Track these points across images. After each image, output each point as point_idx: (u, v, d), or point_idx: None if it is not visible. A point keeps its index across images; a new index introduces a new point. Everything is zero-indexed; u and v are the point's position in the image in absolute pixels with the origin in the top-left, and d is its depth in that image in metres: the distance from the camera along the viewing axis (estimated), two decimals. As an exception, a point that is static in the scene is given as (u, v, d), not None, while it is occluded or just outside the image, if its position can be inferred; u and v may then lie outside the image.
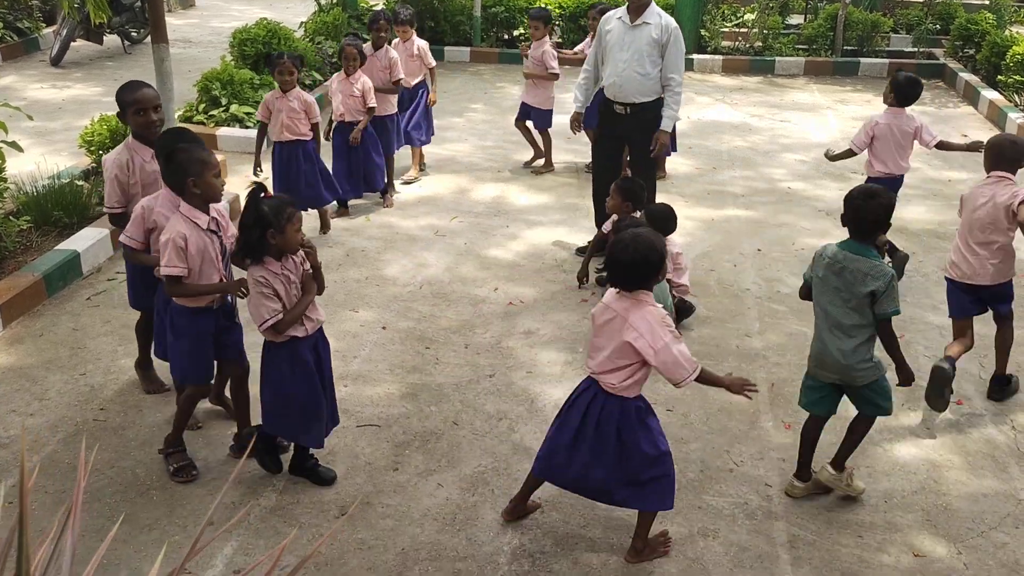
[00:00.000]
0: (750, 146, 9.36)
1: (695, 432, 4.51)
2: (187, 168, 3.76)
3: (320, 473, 4.06)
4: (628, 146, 6.36)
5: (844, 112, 10.86)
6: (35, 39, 12.50)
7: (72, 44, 11.94)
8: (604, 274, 6.06)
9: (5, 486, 3.96)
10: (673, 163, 8.59)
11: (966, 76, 11.77)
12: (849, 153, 6.36)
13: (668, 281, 5.39)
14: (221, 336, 4.05)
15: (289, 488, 4.01)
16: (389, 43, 7.45)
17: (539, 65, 8.03)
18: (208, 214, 3.84)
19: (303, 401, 3.84)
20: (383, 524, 3.81)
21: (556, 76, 8.06)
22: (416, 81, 7.79)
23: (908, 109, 6.19)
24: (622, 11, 6.10)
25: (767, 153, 9.10)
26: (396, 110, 7.54)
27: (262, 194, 3.62)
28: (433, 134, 8.17)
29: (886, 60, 12.98)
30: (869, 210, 3.74)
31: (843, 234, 3.92)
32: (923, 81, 6.42)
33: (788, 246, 6.81)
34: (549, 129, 8.22)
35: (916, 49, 13.57)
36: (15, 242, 5.92)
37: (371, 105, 6.90)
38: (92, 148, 7.21)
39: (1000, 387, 4.93)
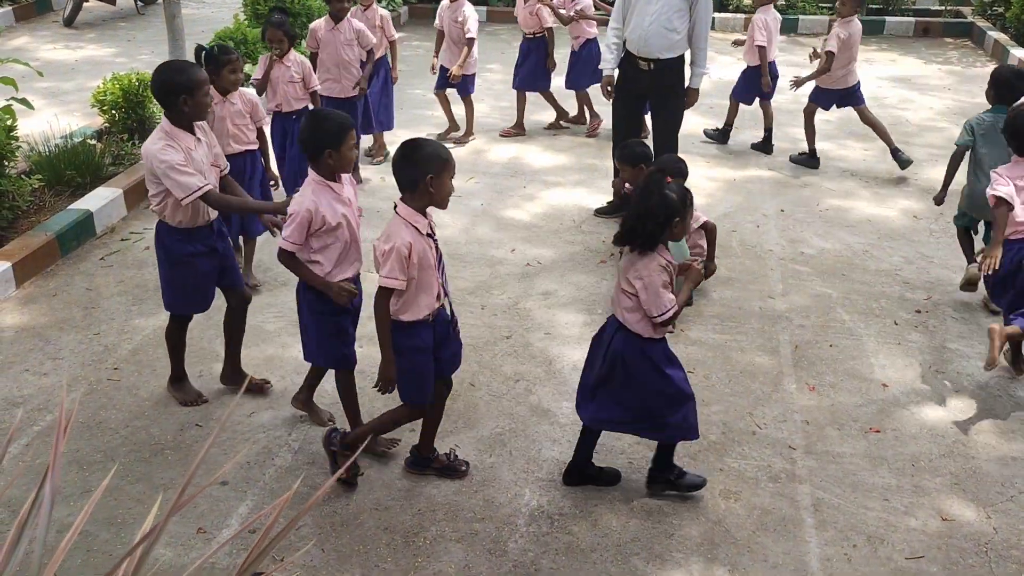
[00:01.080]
0: (773, 106, 9.14)
1: (717, 394, 4.42)
2: (426, 167, 3.28)
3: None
4: (649, 104, 6.19)
5: (869, 72, 10.60)
6: (48, 0, 12.37)
7: (85, 5, 11.83)
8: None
9: (19, 445, 3.93)
10: (693, 123, 8.41)
11: (995, 35, 11.47)
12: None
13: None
14: (440, 349, 3.62)
15: (304, 448, 3.96)
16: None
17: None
18: (426, 218, 3.43)
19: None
20: (399, 485, 3.75)
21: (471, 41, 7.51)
22: (377, 57, 6.93)
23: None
24: None
25: (790, 113, 8.89)
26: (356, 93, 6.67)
27: (667, 178, 3.38)
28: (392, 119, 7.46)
29: (912, 19, 12.69)
30: None
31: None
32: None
33: (812, 207, 6.66)
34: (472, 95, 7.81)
35: (943, 8, 13.23)
36: (28, 201, 5.87)
37: (313, 88, 6.05)
38: (104, 108, 7.12)
39: None
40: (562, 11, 7.74)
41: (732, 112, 8.05)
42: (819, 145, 7.77)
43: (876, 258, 5.87)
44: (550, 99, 8.20)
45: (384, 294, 3.34)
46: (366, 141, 7.30)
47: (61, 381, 4.38)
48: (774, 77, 7.76)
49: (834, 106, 7.53)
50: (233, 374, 4.35)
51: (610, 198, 6.38)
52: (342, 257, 3.70)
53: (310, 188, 3.60)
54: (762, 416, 4.25)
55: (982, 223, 5.29)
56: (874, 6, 12.94)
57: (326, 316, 3.75)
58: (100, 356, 4.62)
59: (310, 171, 3.63)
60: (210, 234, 4.06)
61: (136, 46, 10.76)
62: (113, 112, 7.10)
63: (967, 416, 4.31)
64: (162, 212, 3.94)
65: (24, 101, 5.31)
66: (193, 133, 3.91)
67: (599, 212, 6.34)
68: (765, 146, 7.80)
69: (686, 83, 6.06)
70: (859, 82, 7.41)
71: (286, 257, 3.63)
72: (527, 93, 8.08)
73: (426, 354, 3.51)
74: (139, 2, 12.60)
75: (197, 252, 4.01)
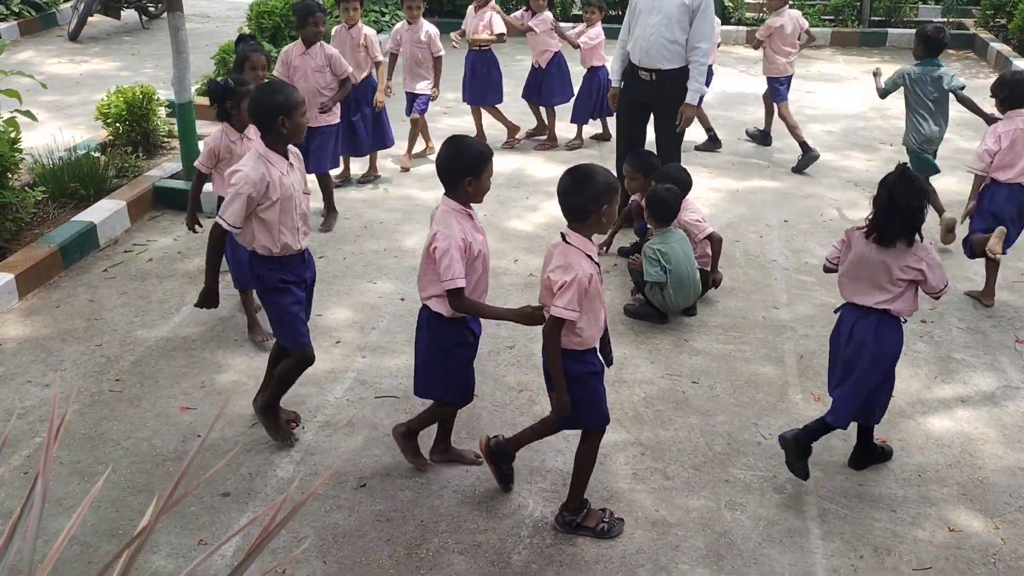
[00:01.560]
0: (775, 118, 9.15)
1: (721, 405, 4.39)
2: (599, 197, 3.33)
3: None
4: (652, 114, 6.18)
5: (871, 83, 10.56)
6: (53, 14, 12.45)
7: (89, 19, 11.88)
8: (627, 245, 5.95)
9: (21, 456, 3.91)
10: (697, 134, 8.42)
11: (997, 46, 11.48)
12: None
13: (692, 225, 5.26)
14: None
15: (307, 459, 3.94)
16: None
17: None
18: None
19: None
20: (402, 496, 3.73)
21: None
22: (362, 78, 6.77)
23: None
24: None
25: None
26: (338, 120, 6.43)
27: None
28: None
29: (914, 31, 12.67)
30: None
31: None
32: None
33: (815, 217, 6.65)
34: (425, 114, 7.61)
35: (946, 19, 13.24)
36: (31, 213, 5.87)
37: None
38: (108, 121, 7.15)
39: None
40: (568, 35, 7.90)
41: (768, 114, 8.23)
42: (823, 156, 7.76)
43: (880, 268, 5.85)
44: (498, 115, 8.03)
45: (557, 324, 3.29)
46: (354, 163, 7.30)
47: (61, 391, 4.37)
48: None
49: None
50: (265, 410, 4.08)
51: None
52: (478, 286, 3.64)
53: (453, 218, 3.50)
54: (767, 426, 4.23)
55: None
56: (876, 18, 12.97)
57: (458, 350, 3.67)
58: (102, 367, 4.61)
59: (445, 201, 3.55)
60: (301, 264, 3.96)
61: (140, 60, 10.80)
62: (117, 125, 7.13)
63: (974, 426, 4.28)
64: (249, 242, 3.78)
65: (28, 113, 5.32)
66: (287, 157, 3.78)
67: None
68: (712, 144, 8.15)
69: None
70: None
71: (458, 297, 3.46)
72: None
73: (599, 377, 3.49)
74: (143, 17, 12.66)
75: (288, 280, 3.88)
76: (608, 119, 8.11)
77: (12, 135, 5.76)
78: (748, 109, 9.36)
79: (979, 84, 10.52)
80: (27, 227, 5.79)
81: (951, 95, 6.22)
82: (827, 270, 3.97)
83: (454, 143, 3.53)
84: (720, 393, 4.48)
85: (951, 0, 13.35)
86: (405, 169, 7.47)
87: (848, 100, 9.86)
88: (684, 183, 5.43)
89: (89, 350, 4.75)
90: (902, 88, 6.37)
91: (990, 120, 5.74)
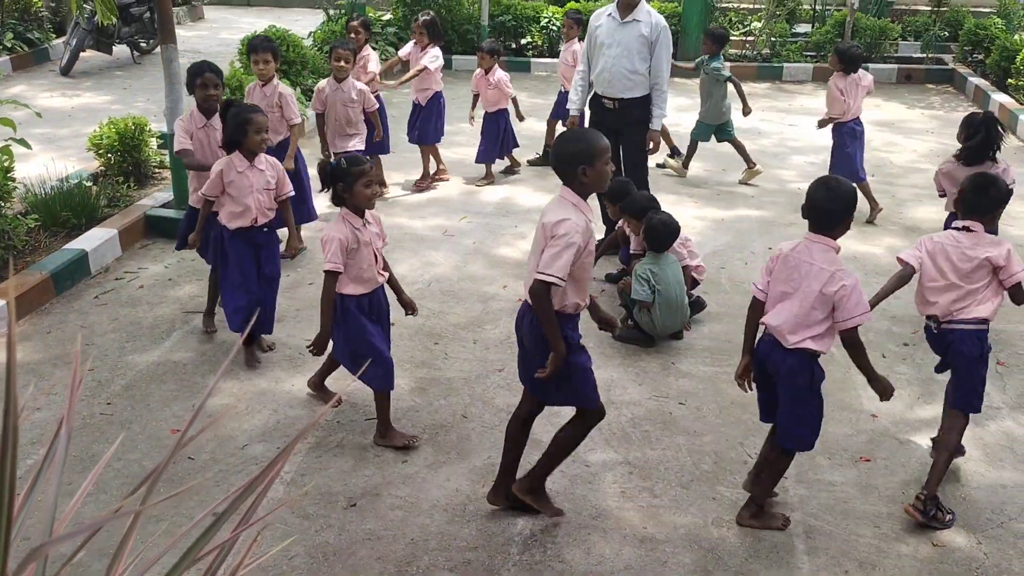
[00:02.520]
0: (759, 149, 9.32)
1: (708, 425, 4.45)
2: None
3: None
4: (621, 141, 6.28)
5: (853, 116, 10.80)
6: (45, 49, 12.55)
7: (82, 54, 12.00)
8: (614, 272, 6.04)
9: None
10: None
11: (976, 80, 11.73)
12: None
13: (684, 267, 5.37)
14: None
15: (297, 480, 3.97)
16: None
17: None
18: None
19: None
20: (392, 515, 3.76)
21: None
22: (279, 139, 6.32)
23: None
24: (612, 8, 6.12)
25: (776, 155, 9.06)
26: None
27: None
28: None
29: (895, 66, 12.96)
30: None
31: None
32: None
33: (799, 245, 6.75)
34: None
35: (925, 55, 13.53)
36: (23, 241, 5.91)
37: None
38: (101, 151, 7.22)
39: None
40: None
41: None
42: (803, 185, 7.85)
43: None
44: (433, 154, 7.93)
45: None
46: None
47: (54, 415, 4.39)
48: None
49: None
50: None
51: (600, 236, 6.48)
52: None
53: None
54: (753, 446, 4.28)
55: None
56: (857, 54, 13.20)
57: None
58: (93, 391, 4.63)
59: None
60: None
61: (132, 94, 10.91)
62: (109, 155, 7.20)
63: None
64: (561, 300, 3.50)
65: (22, 141, 5.39)
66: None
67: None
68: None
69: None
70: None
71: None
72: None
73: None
74: (135, 52, 12.78)
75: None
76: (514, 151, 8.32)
77: (5, 163, 5.81)
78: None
79: (958, 116, 10.71)
80: (19, 255, 5.83)
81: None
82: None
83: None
84: (707, 414, 4.54)
85: (930, 36, 13.65)
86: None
87: (828, 134, 10.00)
88: (669, 235, 5.47)
89: (80, 374, 4.77)
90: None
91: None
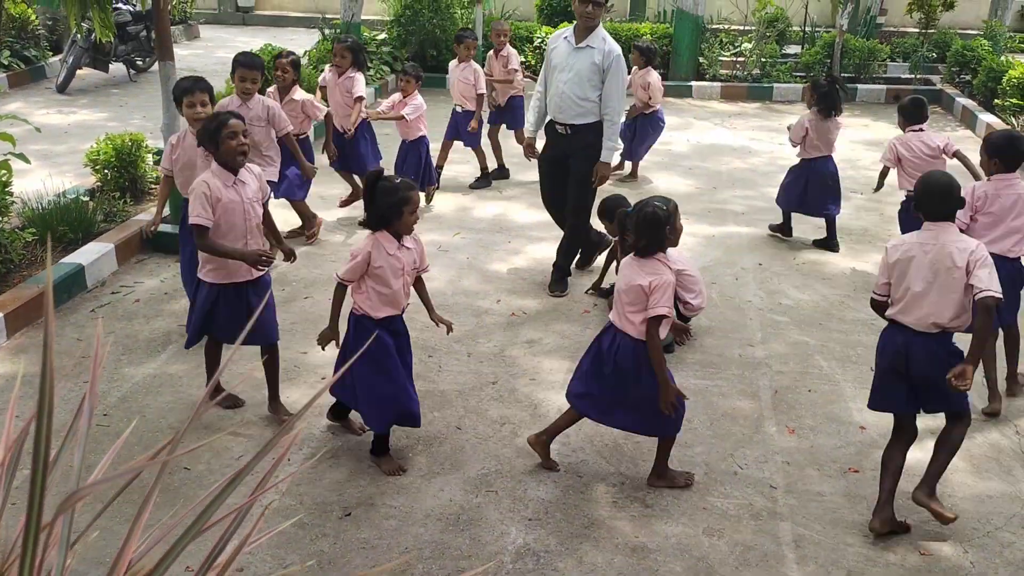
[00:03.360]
0: (750, 167, 9.44)
1: (699, 436, 4.50)
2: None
3: None
4: (568, 163, 6.01)
5: (841, 136, 10.88)
6: (42, 67, 12.63)
7: (78, 72, 12.06)
8: (606, 286, 6.10)
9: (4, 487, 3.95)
10: (673, 183, 8.67)
11: (963, 101, 11.89)
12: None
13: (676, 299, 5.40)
14: None
15: (292, 489, 4.00)
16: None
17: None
18: None
19: None
20: (386, 524, 3.80)
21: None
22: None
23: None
24: (569, 31, 5.92)
25: (767, 174, 9.16)
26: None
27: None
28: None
29: (883, 86, 13.12)
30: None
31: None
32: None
33: (789, 261, 6.84)
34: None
35: (913, 75, 13.71)
36: (20, 255, 5.95)
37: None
38: (97, 167, 7.27)
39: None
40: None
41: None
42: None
43: (852, 308, 6.03)
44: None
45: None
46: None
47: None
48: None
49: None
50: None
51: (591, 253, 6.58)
52: None
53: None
54: (743, 457, 4.33)
55: None
56: (847, 74, 13.38)
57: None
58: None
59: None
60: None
61: (128, 111, 10.98)
62: (106, 171, 7.25)
63: (943, 456, 4.40)
64: None
65: (22, 156, 5.45)
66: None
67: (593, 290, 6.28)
68: None
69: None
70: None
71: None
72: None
73: None
74: (131, 70, 12.87)
75: None
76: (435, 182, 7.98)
77: (3, 178, 5.87)
78: (724, 159, 9.63)
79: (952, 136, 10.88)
80: (16, 269, 5.87)
81: None
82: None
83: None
84: (697, 426, 4.59)
85: (918, 57, 13.83)
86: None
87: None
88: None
89: (76, 386, 4.81)
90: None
91: None
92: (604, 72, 5.75)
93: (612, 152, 5.97)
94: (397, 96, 7.66)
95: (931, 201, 3.75)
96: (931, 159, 6.08)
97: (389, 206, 3.93)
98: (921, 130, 6.21)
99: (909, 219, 5.74)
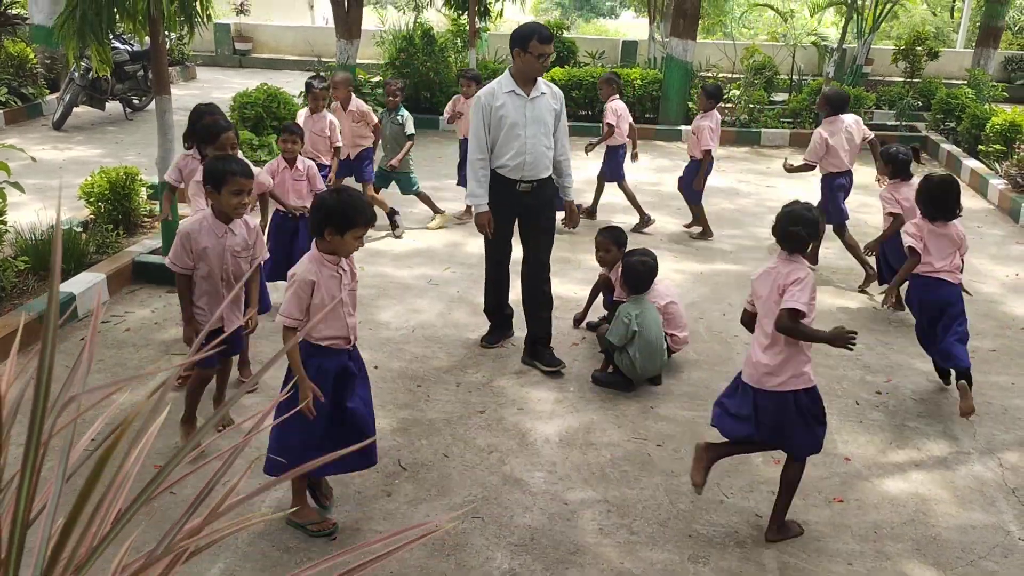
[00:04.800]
0: (737, 208, 9.56)
1: (685, 466, 4.51)
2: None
3: None
4: (524, 222, 5.63)
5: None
6: (38, 104, 12.76)
7: (75, 110, 12.19)
8: (595, 319, 6.14)
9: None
10: (662, 221, 8.77)
11: (948, 147, 12.09)
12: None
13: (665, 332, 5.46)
14: None
15: (278, 512, 3.99)
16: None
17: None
18: None
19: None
20: (372, 549, 3.78)
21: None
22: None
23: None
24: (506, 84, 5.37)
25: (754, 214, 9.28)
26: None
27: None
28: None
29: (870, 133, 13.31)
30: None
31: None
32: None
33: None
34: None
35: (899, 123, 13.94)
36: (12, 283, 5.98)
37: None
38: (92, 200, 7.34)
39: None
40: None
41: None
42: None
43: (838, 344, 6.08)
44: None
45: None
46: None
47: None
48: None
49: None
50: None
51: (578, 287, 6.61)
52: None
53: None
54: (729, 486, 4.35)
55: None
56: (833, 121, 13.60)
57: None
58: (78, 429, 4.65)
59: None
60: None
61: (123, 148, 11.08)
62: (100, 204, 7.31)
63: (927, 488, 4.43)
64: None
65: (16, 185, 5.49)
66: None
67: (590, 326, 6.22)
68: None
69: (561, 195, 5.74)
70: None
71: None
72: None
73: None
74: (127, 108, 13.01)
75: None
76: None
77: (-2, 206, 5.92)
78: (712, 200, 9.73)
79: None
80: (7, 297, 5.90)
81: None
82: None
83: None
84: (684, 455, 4.62)
85: (903, 105, 14.08)
86: None
87: (806, 194, 10.20)
88: (650, 272, 5.63)
89: (66, 412, 4.81)
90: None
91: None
92: (558, 115, 5.53)
93: (572, 188, 5.78)
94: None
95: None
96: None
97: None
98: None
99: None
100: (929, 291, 5.21)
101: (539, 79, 5.43)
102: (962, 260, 5.27)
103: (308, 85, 7.63)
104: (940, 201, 5.20)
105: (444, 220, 8.51)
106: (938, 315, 5.18)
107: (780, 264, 3.88)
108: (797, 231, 3.83)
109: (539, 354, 5.59)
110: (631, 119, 8.77)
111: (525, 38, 5.25)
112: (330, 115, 7.51)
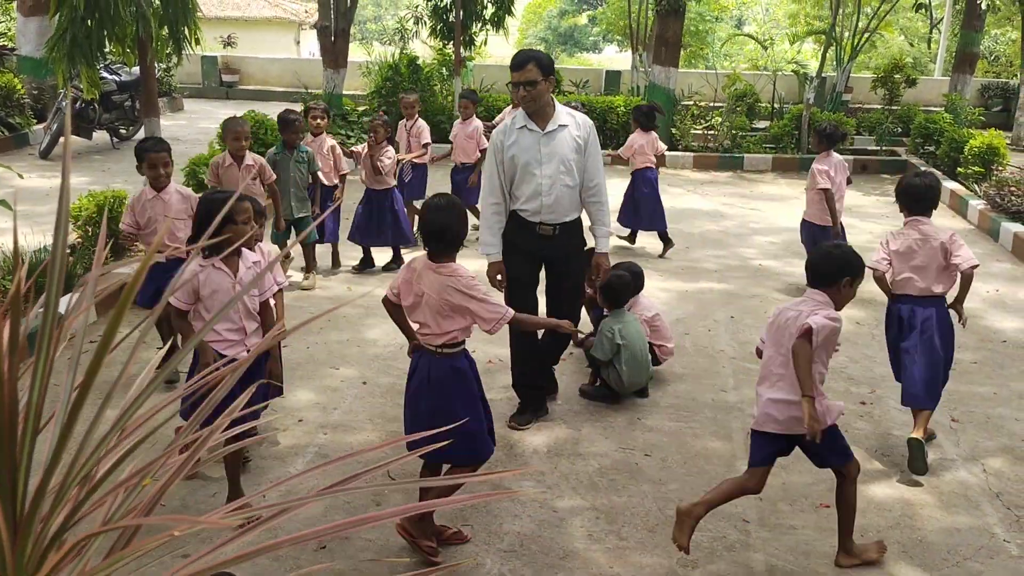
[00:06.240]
0: (722, 230, 9.67)
1: (673, 475, 4.55)
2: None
3: None
4: (549, 272, 5.11)
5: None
6: (25, 134, 12.81)
7: (61, 139, 12.24)
8: (582, 334, 6.18)
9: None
10: (645, 242, 8.85)
11: (928, 171, 12.28)
12: None
13: (650, 343, 5.51)
14: None
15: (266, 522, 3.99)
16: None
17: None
18: None
19: None
20: (362, 556, 3.80)
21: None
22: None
23: None
24: (519, 119, 4.87)
25: (739, 236, 9.39)
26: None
27: None
28: None
29: (851, 157, 13.51)
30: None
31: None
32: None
33: (760, 314, 6.97)
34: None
35: (880, 147, 14.16)
36: (-1, 303, 5.98)
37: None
38: (79, 223, 7.35)
39: None
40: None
41: None
42: (766, 263, 8.19)
43: (822, 357, 6.14)
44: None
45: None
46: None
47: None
48: None
49: None
50: None
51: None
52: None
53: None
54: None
55: None
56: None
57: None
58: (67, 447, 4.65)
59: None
60: None
61: (110, 175, 11.11)
62: (87, 227, 7.33)
63: (912, 493, 4.47)
64: None
65: (3, 202, 5.51)
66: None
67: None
68: None
69: (589, 244, 5.12)
70: None
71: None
72: None
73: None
74: (114, 138, 13.07)
75: None
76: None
77: (-15, 228, 5.93)
78: (696, 223, 9.86)
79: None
80: (-6, 317, 5.89)
81: None
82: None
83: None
84: (672, 464, 4.65)
85: (883, 130, 14.30)
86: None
87: (789, 216, 10.40)
88: (638, 277, 5.70)
89: (51, 431, 4.80)
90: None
91: None
92: (584, 147, 4.85)
93: (608, 239, 5.05)
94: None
95: None
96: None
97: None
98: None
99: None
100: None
101: (563, 108, 4.90)
102: None
103: (307, 109, 8.02)
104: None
105: (314, 283, 7.45)
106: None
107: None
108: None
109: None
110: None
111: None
112: (330, 139, 7.90)
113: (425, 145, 8.63)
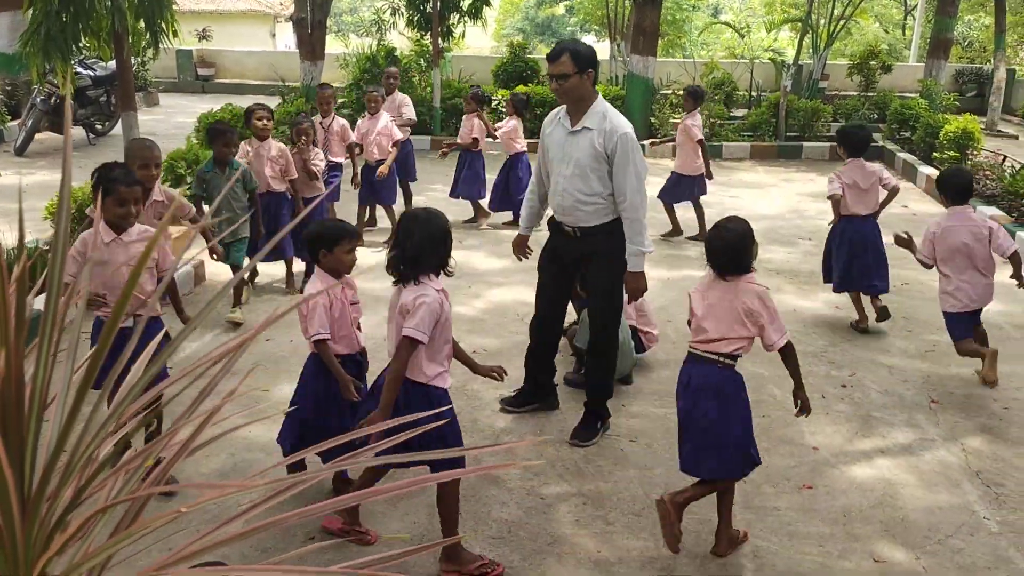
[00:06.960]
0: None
1: (659, 459, 4.59)
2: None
3: None
4: (575, 269, 4.97)
5: (789, 189, 11.36)
6: (0, 131, 12.67)
7: (36, 136, 12.13)
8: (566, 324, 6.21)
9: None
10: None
11: (904, 156, 12.40)
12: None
13: (633, 328, 5.56)
14: None
15: (259, 516, 4.00)
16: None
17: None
18: None
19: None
20: (350, 547, 3.81)
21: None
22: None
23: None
24: (562, 110, 4.69)
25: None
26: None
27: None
28: None
29: (827, 144, 13.63)
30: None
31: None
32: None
33: (742, 300, 7.03)
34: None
35: (855, 134, 14.26)
36: (-21, 301, 5.93)
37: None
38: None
39: None
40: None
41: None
42: (746, 248, 8.25)
43: (803, 342, 6.21)
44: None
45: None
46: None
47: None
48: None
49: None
50: None
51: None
52: None
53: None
54: (701, 477, 4.43)
55: None
56: (792, 133, 13.91)
57: None
58: (48, 441, 4.63)
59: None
60: None
61: (86, 172, 10.85)
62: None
63: (893, 473, 4.54)
64: None
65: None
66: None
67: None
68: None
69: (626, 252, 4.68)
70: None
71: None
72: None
73: None
74: (90, 134, 12.96)
75: None
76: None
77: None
78: (676, 211, 9.90)
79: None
80: (-27, 315, 5.84)
81: None
82: None
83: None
84: (657, 449, 4.69)
85: (860, 117, 14.41)
86: None
87: (768, 203, 10.52)
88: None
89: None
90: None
91: None
92: (610, 159, 4.50)
93: (642, 258, 4.65)
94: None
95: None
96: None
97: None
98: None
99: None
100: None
101: (600, 109, 4.53)
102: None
103: (249, 110, 7.60)
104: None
105: (240, 317, 6.46)
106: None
107: None
108: None
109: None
110: None
111: None
112: (340, 119, 8.35)
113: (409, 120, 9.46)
